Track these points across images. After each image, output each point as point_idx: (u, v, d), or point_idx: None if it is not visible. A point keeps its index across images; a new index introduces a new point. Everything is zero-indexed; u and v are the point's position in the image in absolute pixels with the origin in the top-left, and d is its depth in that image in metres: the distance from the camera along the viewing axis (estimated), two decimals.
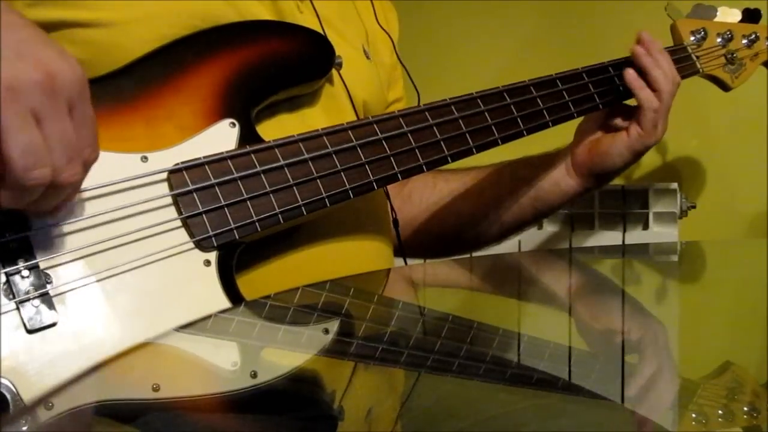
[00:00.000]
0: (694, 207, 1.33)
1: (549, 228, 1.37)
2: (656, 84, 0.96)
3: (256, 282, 0.77)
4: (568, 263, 1.03)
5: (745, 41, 1.12)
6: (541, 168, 1.03)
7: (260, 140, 0.77)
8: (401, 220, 1.03)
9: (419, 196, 1.08)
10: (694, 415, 0.47)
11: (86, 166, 0.64)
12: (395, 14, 1.08)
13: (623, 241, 1.31)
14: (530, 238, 1.36)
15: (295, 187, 0.76)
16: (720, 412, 0.47)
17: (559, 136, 1.00)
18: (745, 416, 0.47)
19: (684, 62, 1.06)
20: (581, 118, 1.00)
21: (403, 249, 1.01)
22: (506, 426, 0.46)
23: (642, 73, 0.97)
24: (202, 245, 0.72)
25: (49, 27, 0.77)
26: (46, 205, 0.63)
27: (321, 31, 0.87)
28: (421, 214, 1.07)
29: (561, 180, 1.02)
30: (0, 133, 0.58)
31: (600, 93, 0.97)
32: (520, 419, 0.48)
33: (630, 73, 0.97)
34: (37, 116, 0.59)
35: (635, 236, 1.32)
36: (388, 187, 0.97)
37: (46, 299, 0.66)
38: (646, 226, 1.32)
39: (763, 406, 0.48)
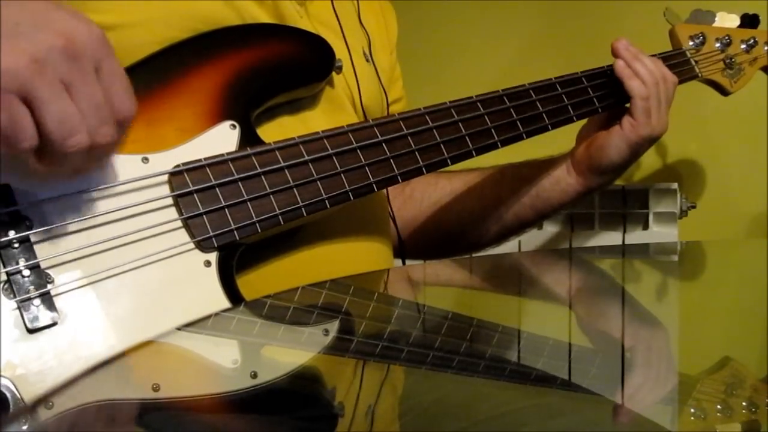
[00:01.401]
0: (694, 207, 1.33)
1: (549, 228, 1.37)
2: (639, 74, 0.97)
3: (256, 283, 0.77)
4: (568, 263, 1.03)
5: (743, 46, 1.13)
6: (542, 168, 1.03)
7: (261, 142, 0.78)
8: (402, 219, 1.04)
9: (421, 196, 1.08)
10: (692, 410, 0.47)
11: (124, 123, 0.65)
12: (394, 15, 1.09)
13: (623, 241, 1.31)
14: (530, 239, 1.36)
15: (295, 189, 0.76)
16: (719, 407, 0.47)
17: (559, 139, 1.00)
18: (743, 411, 0.47)
19: (682, 66, 1.06)
20: (581, 122, 1.01)
21: (403, 250, 1.01)
22: (506, 425, 0.46)
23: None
24: (202, 246, 0.72)
25: None
26: (85, 168, 0.65)
27: (321, 34, 0.87)
28: (422, 213, 1.07)
29: (561, 178, 1.02)
30: (33, 106, 0.59)
31: (599, 97, 0.98)
32: (520, 418, 0.48)
33: (619, 63, 0.98)
34: (66, 83, 0.60)
35: (635, 236, 1.32)
36: (390, 187, 0.97)
37: (47, 299, 0.66)
38: (646, 226, 1.32)
39: (761, 401, 0.48)
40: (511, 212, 1.04)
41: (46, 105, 0.59)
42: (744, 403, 0.49)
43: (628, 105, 0.99)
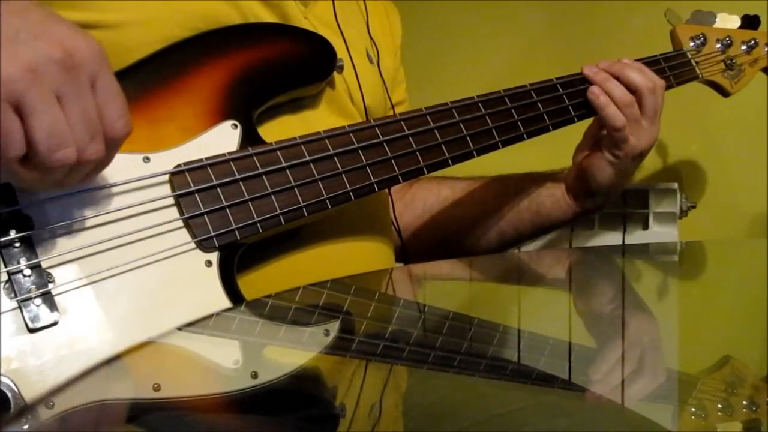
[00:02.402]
0: (694, 207, 1.33)
1: None
2: (613, 98, 0.94)
3: (257, 283, 0.78)
4: (569, 263, 1.03)
5: (744, 47, 1.13)
6: (544, 185, 1.03)
7: (262, 142, 0.78)
8: (403, 224, 1.04)
9: (422, 202, 1.08)
10: (693, 410, 0.47)
11: (118, 141, 0.64)
12: (398, 16, 1.09)
13: (623, 241, 1.31)
14: None
15: (296, 189, 0.76)
16: (719, 406, 0.47)
17: (560, 140, 1.00)
18: (744, 410, 0.47)
19: (683, 67, 1.06)
20: (581, 123, 1.00)
21: (405, 252, 1.01)
22: (507, 425, 0.46)
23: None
24: (203, 246, 0.72)
25: None
26: (69, 181, 0.64)
27: (323, 34, 0.87)
28: (422, 219, 1.08)
29: (561, 199, 1.02)
30: (24, 115, 0.58)
31: None
32: (521, 418, 0.48)
33: (592, 91, 0.95)
34: (60, 95, 0.60)
35: (635, 236, 1.31)
36: (391, 192, 0.97)
37: (48, 298, 0.66)
38: (646, 226, 1.31)
39: (762, 400, 0.48)
40: (511, 226, 1.05)
41: (37, 115, 0.58)
42: (745, 402, 0.49)
43: None
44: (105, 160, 0.65)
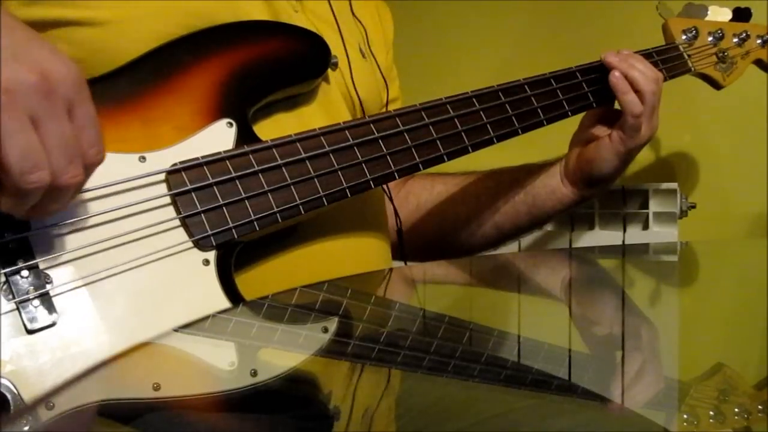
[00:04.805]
0: (694, 207, 1.32)
1: (549, 228, 1.36)
2: (636, 85, 0.95)
3: (255, 281, 0.78)
4: (568, 263, 1.03)
5: (735, 40, 1.13)
6: (538, 175, 1.03)
7: (257, 140, 0.78)
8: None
9: (416, 199, 1.08)
10: (685, 416, 0.48)
11: (90, 168, 0.63)
12: (390, 14, 1.09)
13: (623, 241, 1.30)
14: (530, 238, 1.35)
15: (292, 186, 0.77)
16: (711, 413, 0.48)
17: (554, 135, 1.00)
18: (736, 417, 0.47)
19: (675, 61, 1.07)
20: (576, 117, 1.01)
21: (403, 250, 1.01)
22: (504, 426, 0.46)
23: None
24: (200, 244, 0.72)
25: (46, 26, 0.77)
26: (46, 209, 0.63)
27: (316, 31, 0.87)
28: (418, 216, 1.08)
29: (557, 188, 1.02)
30: None
31: (593, 92, 0.98)
32: (519, 419, 0.48)
33: (615, 75, 0.96)
34: (35, 119, 0.59)
35: (635, 236, 1.31)
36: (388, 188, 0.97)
37: (46, 299, 0.66)
38: (646, 226, 1.31)
39: (754, 407, 0.49)
40: (507, 219, 1.05)
41: (8, 137, 0.58)
42: (736, 410, 0.49)
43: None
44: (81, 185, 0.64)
